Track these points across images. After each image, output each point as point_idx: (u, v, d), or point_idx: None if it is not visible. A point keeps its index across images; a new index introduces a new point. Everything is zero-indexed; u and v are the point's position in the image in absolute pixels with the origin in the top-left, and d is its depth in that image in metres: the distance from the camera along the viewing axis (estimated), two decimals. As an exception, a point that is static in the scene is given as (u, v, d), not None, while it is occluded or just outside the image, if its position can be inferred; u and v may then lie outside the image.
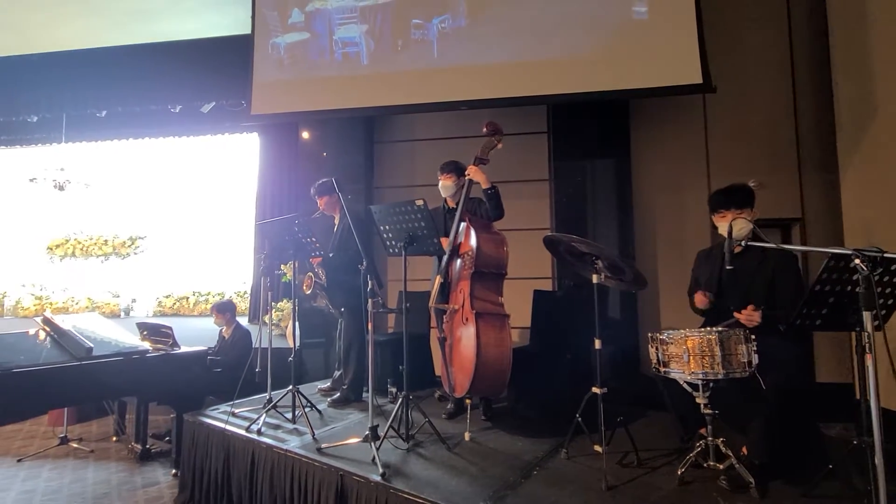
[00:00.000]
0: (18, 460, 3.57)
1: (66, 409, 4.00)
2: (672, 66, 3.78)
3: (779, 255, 2.11)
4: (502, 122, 4.72)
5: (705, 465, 1.98)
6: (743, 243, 1.96)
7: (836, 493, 1.84)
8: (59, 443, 3.81)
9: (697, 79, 3.70)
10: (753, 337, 1.86)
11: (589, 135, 4.61)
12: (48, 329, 3.36)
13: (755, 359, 1.84)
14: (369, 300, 2.34)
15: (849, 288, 1.64)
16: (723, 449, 1.93)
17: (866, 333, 1.29)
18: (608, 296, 4.42)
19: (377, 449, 2.17)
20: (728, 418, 2.07)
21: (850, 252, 1.35)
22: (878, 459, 1.28)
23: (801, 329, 1.69)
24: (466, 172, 2.80)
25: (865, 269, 1.28)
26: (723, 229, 2.14)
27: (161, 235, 8.43)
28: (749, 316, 1.98)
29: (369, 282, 2.35)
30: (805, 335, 2.30)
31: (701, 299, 2.23)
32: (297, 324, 2.93)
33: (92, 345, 3.04)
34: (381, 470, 2.04)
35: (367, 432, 2.25)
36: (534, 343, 3.38)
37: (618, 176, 4.64)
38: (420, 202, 2.33)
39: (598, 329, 2.14)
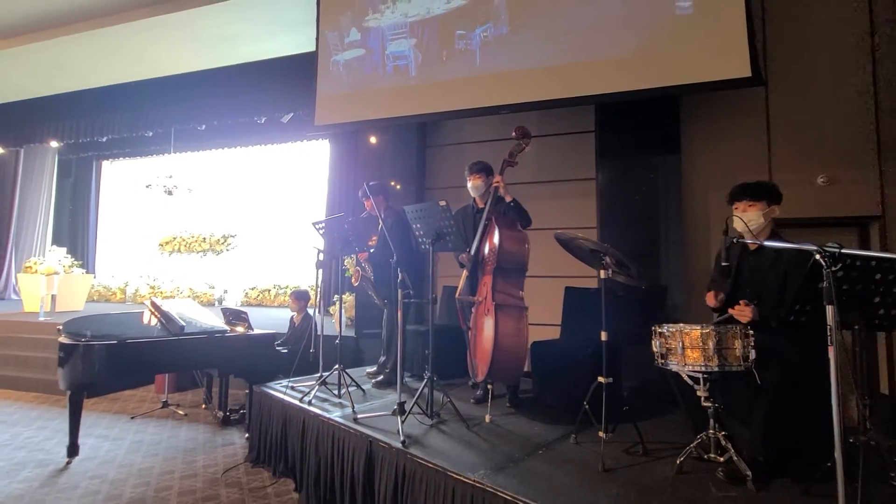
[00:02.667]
0: (132, 418, 4.36)
1: (167, 379, 4.78)
2: (719, 59, 3.66)
3: (794, 254, 2.08)
4: (549, 121, 4.87)
5: (705, 457, 2.03)
6: (736, 239, 1.97)
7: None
8: (162, 406, 4.58)
9: (746, 72, 3.56)
10: (751, 332, 1.89)
11: (637, 132, 4.56)
12: (155, 312, 4.09)
13: (752, 354, 1.87)
14: (399, 291, 2.64)
15: (845, 286, 1.64)
16: (723, 442, 1.97)
17: (829, 326, 1.33)
18: (665, 295, 4.37)
19: (402, 422, 2.47)
20: (734, 413, 2.10)
21: (813, 248, 1.38)
22: (837, 454, 1.32)
23: (796, 325, 1.70)
24: (494, 182, 2.98)
25: (825, 264, 1.32)
26: (737, 223, 2.15)
27: (249, 233, 9.48)
28: (741, 311, 2.00)
29: (399, 274, 2.64)
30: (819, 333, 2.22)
31: (710, 299, 2.25)
32: (342, 312, 3.32)
33: (184, 324, 3.67)
34: (402, 438, 2.33)
35: (395, 407, 2.56)
36: (563, 337, 3.49)
37: (667, 173, 4.54)
38: (443, 202, 2.58)
39: (605, 323, 2.25)
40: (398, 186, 5.46)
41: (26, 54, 6.97)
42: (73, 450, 3.32)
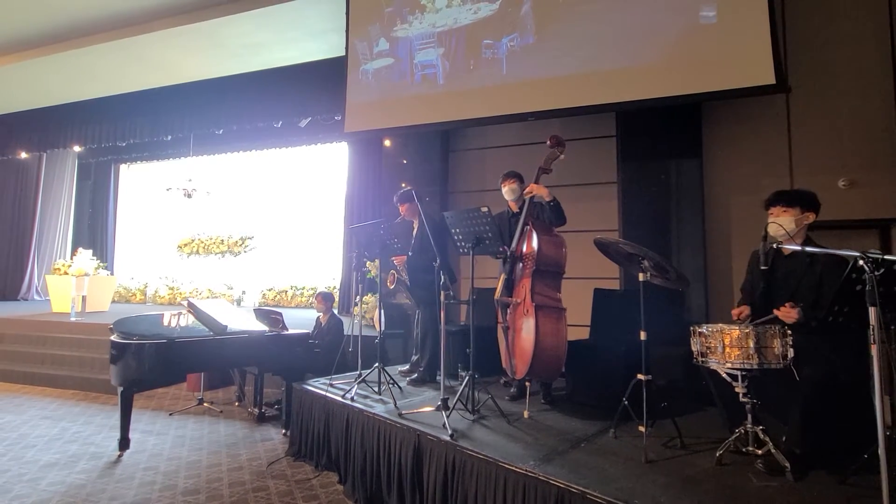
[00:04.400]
0: (170, 414, 4.52)
1: (202, 376, 4.94)
2: (743, 67, 3.78)
3: (828, 258, 2.19)
4: (571, 126, 5.00)
5: (744, 450, 2.14)
6: (774, 246, 2.08)
7: (877, 482, 1.92)
8: (197, 403, 4.74)
9: (770, 79, 3.68)
10: (789, 332, 2.01)
11: (658, 137, 4.68)
12: (192, 311, 4.24)
13: (790, 352, 1.99)
14: (441, 293, 2.77)
15: (881, 288, 1.76)
16: (761, 436, 2.09)
17: (872, 326, 1.45)
18: (685, 298, 4.49)
19: (447, 416, 2.60)
20: (771, 409, 2.21)
21: (856, 254, 1.50)
22: (881, 451, 1.43)
23: (833, 326, 1.82)
24: (527, 190, 3.09)
25: (869, 269, 1.44)
26: (770, 228, 2.27)
27: (265, 235, 9.64)
28: (787, 313, 2.11)
29: (441, 277, 2.78)
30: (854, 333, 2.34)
31: (735, 314, 2.38)
32: (382, 312, 3.45)
33: (227, 324, 3.82)
34: (449, 432, 2.46)
35: (440, 402, 2.69)
36: (593, 337, 3.61)
37: (688, 177, 4.65)
38: (485, 209, 2.72)
39: (644, 322, 2.37)
40: (409, 188, 5.61)
41: (57, 62, 7.17)
42: (124, 443, 3.48)
